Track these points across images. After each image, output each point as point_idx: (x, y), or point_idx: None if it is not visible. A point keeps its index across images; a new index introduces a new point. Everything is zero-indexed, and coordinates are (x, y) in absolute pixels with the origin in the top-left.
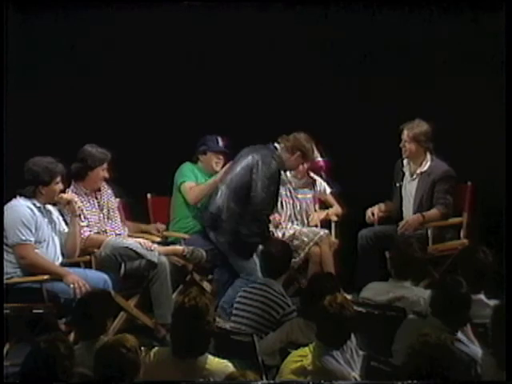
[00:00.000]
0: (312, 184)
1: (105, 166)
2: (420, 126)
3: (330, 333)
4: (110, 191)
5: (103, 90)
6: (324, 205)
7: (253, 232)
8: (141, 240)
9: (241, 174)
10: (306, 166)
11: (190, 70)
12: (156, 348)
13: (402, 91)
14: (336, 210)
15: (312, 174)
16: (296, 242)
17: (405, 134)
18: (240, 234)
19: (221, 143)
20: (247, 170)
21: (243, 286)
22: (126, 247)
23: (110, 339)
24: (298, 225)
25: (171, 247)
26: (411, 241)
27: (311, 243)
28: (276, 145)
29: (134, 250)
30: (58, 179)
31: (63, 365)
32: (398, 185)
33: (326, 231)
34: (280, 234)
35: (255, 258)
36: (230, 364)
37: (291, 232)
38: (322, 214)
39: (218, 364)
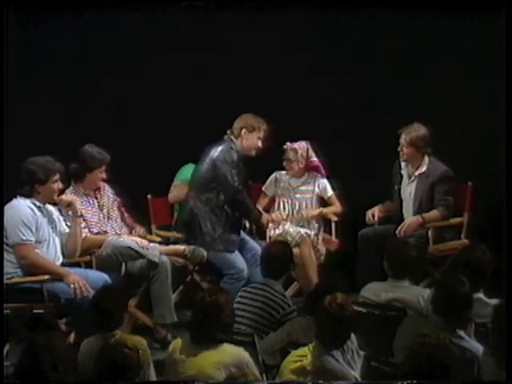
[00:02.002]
0: (312, 183)
1: (103, 168)
2: (417, 131)
3: (329, 333)
4: (110, 191)
5: (103, 90)
6: (325, 205)
7: (234, 222)
8: (137, 239)
9: (205, 173)
10: (301, 165)
11: (190, 71)
12: (175, 339)
13: (402, 91)
14: (334, 209)
15: (312, 174)
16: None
17: (402, 138)
18: (216, 230)
19: None
20: (211, 166)
21: (230, 284)
22: (127, 247)
23: (111, 339)
24: (297, 225)
25: (172, 247)
26: (405, 240)
27: (293, 242)
28: (228, 137)
29: (135, 250)
30: (56, 178)
31: (60, 363)
32: (396, 187)
33: (309, 232)
34: (272, 233)
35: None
36: (243, 350)
37: (280, 231)
38: (315, 212)
39: (234, 350)
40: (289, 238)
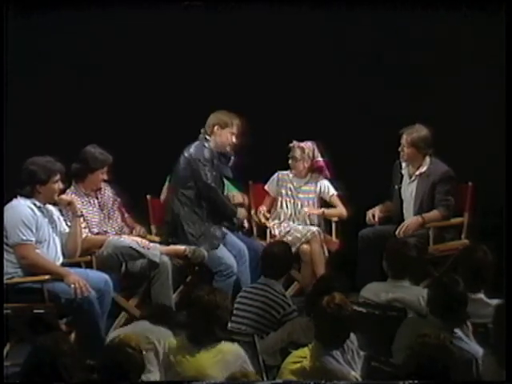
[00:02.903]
0: (315, 184)
1: (105, 169)
2: (419, 131)
3: (328, 333)
4: (111, 191)
5: (104, 90)
6: (328, 206)
7: (215, 218)
8: (138, 239)
9: (181, 172)
10: (306, 164)
11: (190, 71)
12: (170, 339)
13: (402, 91)
14: (338, 211)
15: (315, 174)
16: (289, 238)
17: (404, 139)
18: (198, 229)
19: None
20: (186, 165)
21: (221, 282)
22: (128, 247)
23: (114, 339)
24: (299, 224)
25: (172, 247)
26: (405, 240)
27: (302, 239)
28: (202, 136)
29: (136, 250)
30: (57, 178)
31: (66, 364)
32: (396, 187)
33: (319, 229)
34: (277, 232)
35: (221, 248)
36: (238, 346)
37: (286, 229)
38: (315, 211)
39: (230, 346)
40: (297, 235)
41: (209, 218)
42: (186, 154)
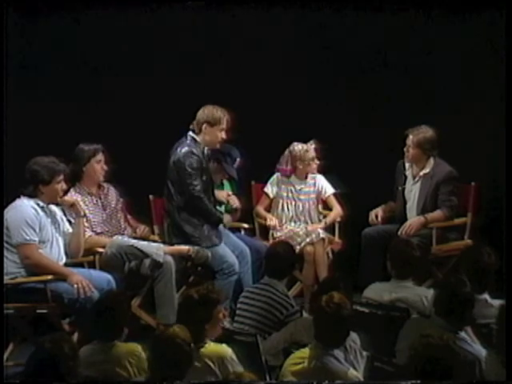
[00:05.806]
0: (314, 184)
1: (98, 157)
2: (424, 132)
3: (327, 332)
4: (114, 191)
5: (105, 90)
6: (326, 205)
7: (205, 220)
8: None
9: (173, 179)
10: (305, 166)
11: (192, 71)
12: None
13: (402, 92)
14: (334, 214)
15: (313, 174)
16: (290, 241)
17: (409, 139)
18: (198, 229)
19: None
20: (175, 174)
21: (223, 280)
22: (132, 246)
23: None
24: (300, 225)
25: (176, 247)
26: (409, 240)
27: (303, 243)
28: (191, 133)
29: (140, 249)
30: (60, 179)
31: (67, 365)
32: (400, 188)
33: (321, 232)
34: (278, 234)
35: (223, 247)
36: (226, 346)
37: (286, 231)
38: (320, 225)
39: (215, 347)
40: (298, 238)
41: (206, 218)
42: (174, 160)
